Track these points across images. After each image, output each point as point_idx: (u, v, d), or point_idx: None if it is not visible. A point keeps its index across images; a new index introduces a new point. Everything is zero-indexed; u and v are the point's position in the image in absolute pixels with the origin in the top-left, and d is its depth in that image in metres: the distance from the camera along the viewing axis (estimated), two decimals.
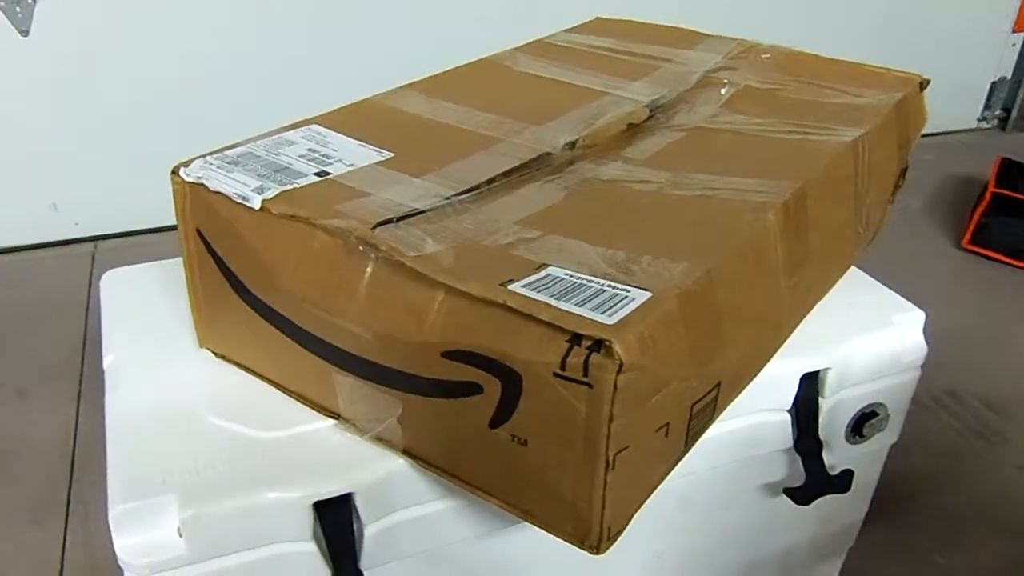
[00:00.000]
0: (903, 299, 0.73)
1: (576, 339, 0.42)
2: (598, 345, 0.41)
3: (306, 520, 0.53)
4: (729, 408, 0.63)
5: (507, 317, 0.44)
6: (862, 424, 0.72)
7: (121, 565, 0.52)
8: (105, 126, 1.48)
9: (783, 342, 0.62)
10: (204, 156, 0.59)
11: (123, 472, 0.53)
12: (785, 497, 0.69)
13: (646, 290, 0.45)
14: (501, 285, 0.45)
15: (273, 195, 0.54)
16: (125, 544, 0.50)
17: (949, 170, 1.82)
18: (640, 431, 0.45)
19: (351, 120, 0.66)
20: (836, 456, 0.72)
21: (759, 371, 0.59)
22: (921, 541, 1.01)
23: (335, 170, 0.58)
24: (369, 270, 0.49)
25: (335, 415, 0.57)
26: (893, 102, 0.70)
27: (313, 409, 0.58)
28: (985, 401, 1.21)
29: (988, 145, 2.00)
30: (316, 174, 0.57)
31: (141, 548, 0.50)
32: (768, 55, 0.79)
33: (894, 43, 1.84)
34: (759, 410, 0.66)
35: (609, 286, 0.45)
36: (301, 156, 0.59)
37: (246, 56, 1.51)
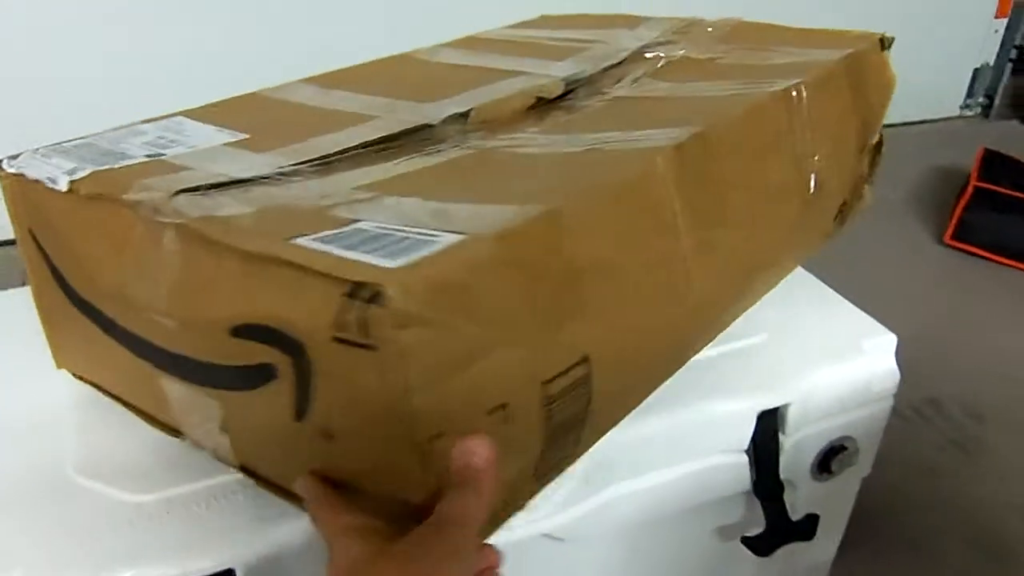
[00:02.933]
0: (872, 320, 0.65)
1: (353, 291, 0.33)
2: (377, 296, 0.32)
3: None
4: (679, 450, 0.57)
5: (284, 274, 0.35)
6: (829, 459, 0.63)
7: None
8: None
9: (705, 323, 0.52)
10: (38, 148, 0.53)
11: None
12: None
13: (461, 233, 0.36)
14: (286, 240, 0.36)
15: (83, 175, 0.47)
16: None
17: (931, 160, 1.74)
18: (460, 411, 0.35)
19: (223, 111, 0.59)
20: (801, 495, 0.63)
21: (674, 359, 0.49)
22: (899, 565, 0.92)
23: (171, 152, 0.51)
24: (164, 243, 0.42)
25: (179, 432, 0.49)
26: (841, 56, 0.61)
27: (163, 431, 0.50)
28: (966, 408, 1.13)
29: (971, 133, 1.94)
30: (147, 155, 0.50)
31: None
32: (712, 28, 0.71)
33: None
34: (713, 451, 0.59)
35: (419, 234, 0.36)
36: (144, 143, 0.52)
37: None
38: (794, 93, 0.55)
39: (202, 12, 1.45)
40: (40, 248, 0.51)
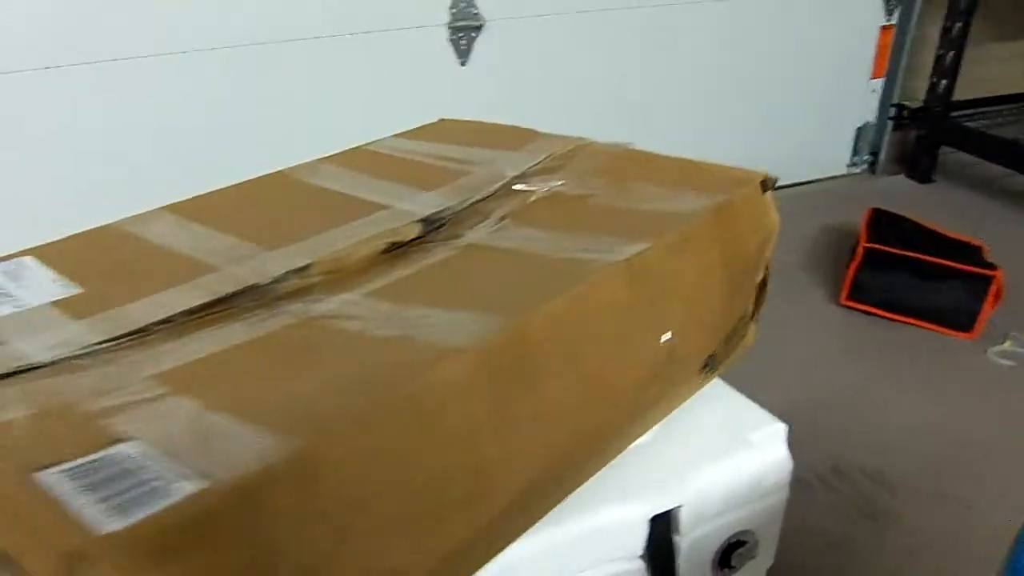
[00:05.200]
0: (761, 410, 0.65)
1: (70, 555, 0.33)
2: (87, 562, 0.32)
3: None
4: (573, 561, 0.56)
5: (18, 516, 0.36)
6: (729, 555, 0.64)
7: None
8: None
9: (526, 512, 0.51)
10: None
11: None
12: None
13: (204, 479, 0.35)
14: (36, 470, 0.36)
15: None
16: None
17: (824, 219, 1.79)
18: None
19: (73, 250, 0.59)
20: None
21: (474, 549, 0.49)
22: None
23: None
24: None
25: None
26: (712, 206, 0.60)
27: None
28: (872, 475, 1.12)
29: (860, 190, 2.01)
30: None
31: None
32: (596, 155, 0.70)
33: (758, 96, 1.88)
34: (608, 560, 0.58)
35: (159, 476, 0.36)
36: None
37: None
38: (642, 262, 0.53)
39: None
40: None
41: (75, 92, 1.28)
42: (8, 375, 0.44)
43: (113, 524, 0.33)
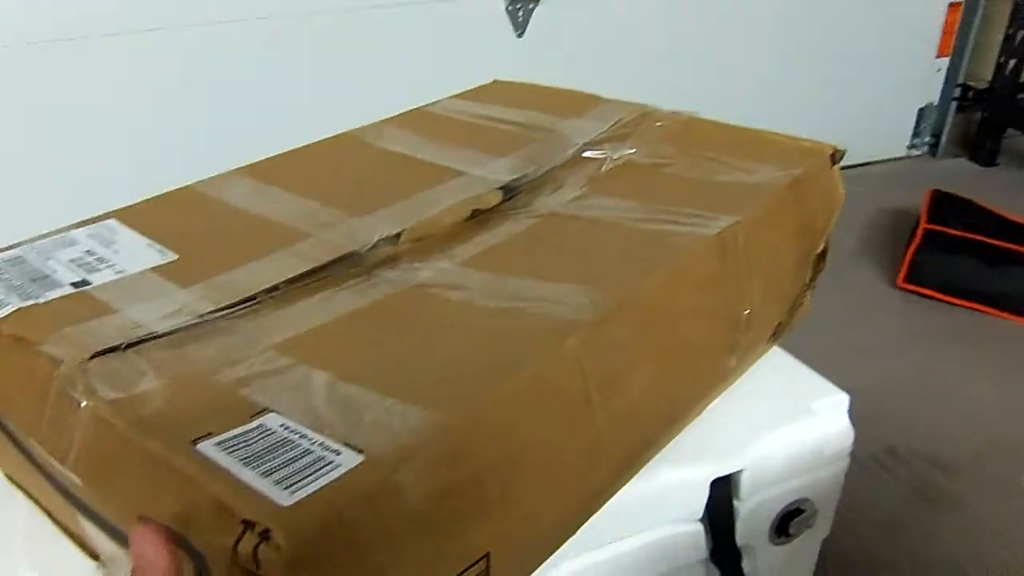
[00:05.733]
0: (823, 379, 0.66)
1: (247, 525, 0.33)
2: (267, 534, 0.33)
3: None
4: (634, 522, 0.57)
5: (188, 486, 0.36)
6: (787, 523, 0.64)
7: None
8: None
9: (621, 479, 0.53)
10: None
11: None
12: None
13: (360, 452, 0.36)
14: (192, 442, 0.37)
15: (8, 312, 0.47)
16: None
17: (882, 203, 1.77)
18: None
19: (155, 213, 0.59)
20: (760, 560, 0.64)
21: (585, 516, 0.50)
22: None
23: (98, 279, 0.51)
24: (79, 414, 0.42)
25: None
26: (789, 180, 0.61)
27: (85, 553, 0.51)
28: (930, 458, 1.12)
29: (919, 173, 1.96)
30: (74, 284, 0.50)
31: None
32: (663, 123, 0.70)
33: (819, 73, 1.84)
34: (668, 522, 0.59)
35: (320, 444, 0.37)
36: (72, 261, 0.52)
37: None
38: (732, 236, 0.54)
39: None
40: None
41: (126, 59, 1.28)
42: (132, 344, 0.44)
43: (289, 497, 0.34)
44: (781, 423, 0.62)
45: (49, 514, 0.53)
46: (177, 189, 0.62)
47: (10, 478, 0.56)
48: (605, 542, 0.57)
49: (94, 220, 0.58)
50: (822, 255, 0.67)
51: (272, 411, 0.39)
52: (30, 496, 0.55)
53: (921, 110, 2.03)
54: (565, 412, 0.45)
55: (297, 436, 0.38)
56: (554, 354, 0.44)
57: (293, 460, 0.36)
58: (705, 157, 0.65)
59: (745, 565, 0.62)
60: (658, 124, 0.70)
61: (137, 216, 0.58)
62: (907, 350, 1.35)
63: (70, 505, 0.47)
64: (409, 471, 0.37)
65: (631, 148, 0.67)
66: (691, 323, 0.54)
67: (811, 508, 0.64)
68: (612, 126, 0.70)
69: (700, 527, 0.61)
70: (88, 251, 0.54)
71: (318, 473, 0.35)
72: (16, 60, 1.27)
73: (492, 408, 0.41)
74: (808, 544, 0.68)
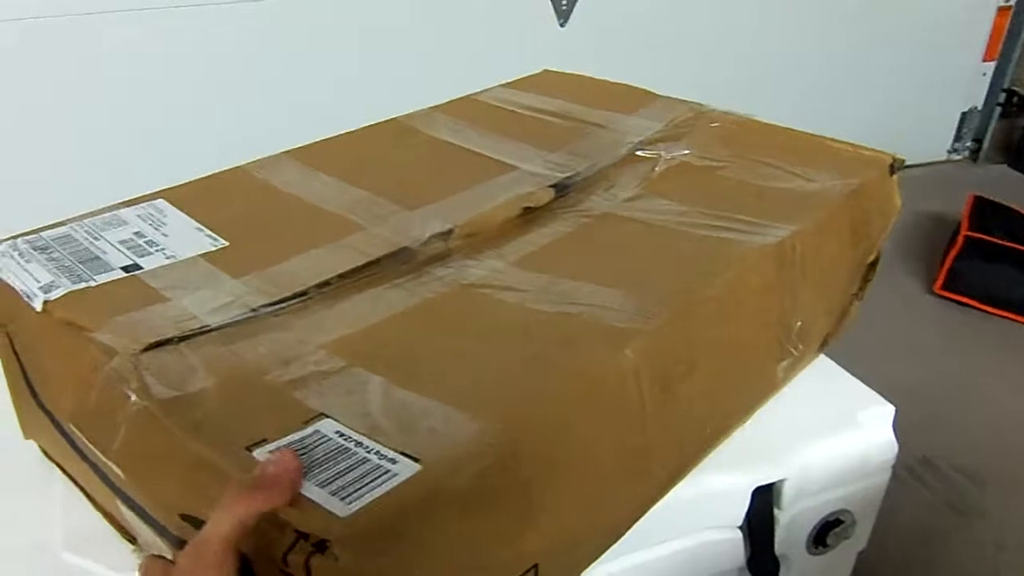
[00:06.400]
0: (869, 390, 0.65)
1: (301, 535, 0.33)
2: (323, 545, 0.32)
3: None
4: (674, 526, 0.56)
5: None
6: (825, 533, 0.64)
7: None
8: None
9: (669, 485, 0.52)
10: (18, 236, 0.52)
11: None
12: None
13: (416, 461, 0.36)
14: (247, 449, 0.36)
15: (60, 295, 0.46)
16: None
17: (920, 207, 1.72)
18: None
19: (204, 195, 0.58)
20: (796, 570, 0.64)
21: (632, 523, 0.49)
22: None
23: (149, 263, 0.50)
24: (129, 405, 0.41)
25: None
26: (848, 190, 0.59)
27: (120, 534, 0.50)
28: (962, 469, 1.11)
29: (959, 178, 1.93)
30: (124, 268, 0.49)
31: None
32: (718, 123, 0.69)
33: (862, 75, 1.81)
34: (707, 528, 0.59)
35: (376, 453, 0.36)
36: (122, 242, 0.52)
37: None
38: (791, 246, 0.53)
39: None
40: (14, 350, 0.51)
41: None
42: (184, 338, 0.43)
43: (346, 508, 0.33)
44: (825, 433, 0.61)
45: (86, 494, 0.53)
46: (225, 170, 0.61)
47: (47, 454, 0.56)
48: (643, 546, 0.56)
49: (142, 199, 0.57)
50: (873, 265, 0.66)
51: (327, 416, 0.39)
52: (67, 475, 0.54)
53: (964, 114, 2.00)
54: (617, 423, 0.45)
55: (353, 444, 0.37)
56: (612, 364, 0.43)
57: (349, 469, 0.35)
58: (761, 161, 0.63)
59: (781, 575, 0.62)
60: (713, 125, 0.69)
61: (186, 197, 0.57)
62: (943, 356, 1.33)
63: (108, 489, 0.46)
64: (464, 481, 0.36)
65: (685, 149, 0.65)
66: (745, 333, 0.53)
67: (850, 519, 0.64)
68: (666, 125, 0.69)
69: (739, 534, 0.60)
70: (138, 232, 0.53)
71: (375, 483, 0.35)
72: (76, 31, 1.26)
73: (547, 419, 0.40)
74: (844, 556, 0.67)
